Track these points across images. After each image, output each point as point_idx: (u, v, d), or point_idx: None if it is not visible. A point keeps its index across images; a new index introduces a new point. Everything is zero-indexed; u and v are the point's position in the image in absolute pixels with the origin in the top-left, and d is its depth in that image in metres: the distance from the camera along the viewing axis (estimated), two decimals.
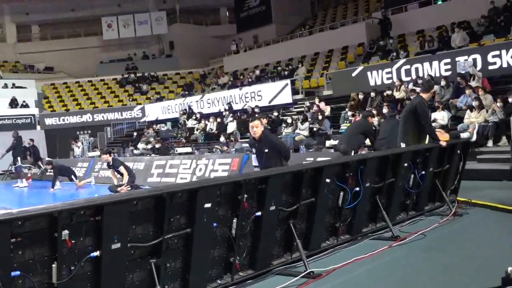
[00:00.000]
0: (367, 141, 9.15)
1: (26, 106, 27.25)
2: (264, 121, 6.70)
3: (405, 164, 6.19)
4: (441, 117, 11.99)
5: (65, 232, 3.24)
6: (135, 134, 22.94)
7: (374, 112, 11.63)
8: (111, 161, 11.91)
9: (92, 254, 3.40)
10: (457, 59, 14.18)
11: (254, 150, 6.67)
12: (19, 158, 17.42)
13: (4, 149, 20.12)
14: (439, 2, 20.75)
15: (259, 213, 4.49)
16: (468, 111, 11.54)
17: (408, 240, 5.48)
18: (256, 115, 7.74)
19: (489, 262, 4.60)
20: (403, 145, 6.89)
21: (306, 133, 14.58)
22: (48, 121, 26.93)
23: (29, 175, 18.41)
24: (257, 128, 6.16)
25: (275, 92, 19.61)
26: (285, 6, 30.67)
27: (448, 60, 14.64)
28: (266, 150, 6.20)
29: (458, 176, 7.24)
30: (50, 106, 29.24)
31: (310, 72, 22.30)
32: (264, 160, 6.25)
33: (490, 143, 10.81)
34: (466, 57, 14.00)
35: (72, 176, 15.88)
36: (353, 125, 9.98)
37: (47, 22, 35.33)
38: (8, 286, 2.94)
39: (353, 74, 17.36)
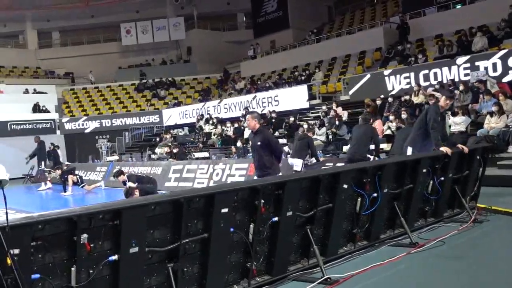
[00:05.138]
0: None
1: (47, 111, 27.72)
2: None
3: (424, 170, 6.12)
4: (460, 122, 11.83)
5: (84, 236, 3.28)
6: (157, 139, 23.10)
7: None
8: (127, 179, 11.31)
9: (110, 258, 3.44)
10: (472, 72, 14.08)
11: (250, 143, 7.13)
12: (43, 162, 17.89)
13: (26, 153, 20.75)
14: (458, 7, 20.51)
15: (276, 219, 4.49)
16: (488, 116, 11.37)
17: (426, 247, 5.41)
18: (250, 110, 8.21)
19: (510, 270, 4.52)
20: (409, 148, 6.92)
21: (323, 138, 14.52)
22: (68, 126, 27.34)
23: (49, 179, 18.72)
24: (248, 121, 6.77)
25: (292, 97, 19.60)
26: (302, 11, 30.66)
27: (468, 65, 14.47)
28: (259, 143, 6.59)
29: (478, 182, 7.13)
30: (70, 111, 29.69)
31: (327, 77, 22.23)
32: (257, 155, 6.68)
33: (510, 149, 10.63)
34: (483, 67, 13.88)
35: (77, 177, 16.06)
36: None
37: (67, 29, 35.90)
38: None
39: (371, 79, 17.25)
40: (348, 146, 12.73)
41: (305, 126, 14.51)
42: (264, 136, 6.69)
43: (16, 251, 2.93)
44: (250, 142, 7.19)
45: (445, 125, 7.14)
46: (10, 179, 3.01)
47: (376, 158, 8.86)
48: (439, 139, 6.56)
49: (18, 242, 2.94)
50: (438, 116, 6.60)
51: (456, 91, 13.47)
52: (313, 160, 11.21)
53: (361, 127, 9.12)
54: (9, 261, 2.80)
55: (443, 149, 6.34)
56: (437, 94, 12.02)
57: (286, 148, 13.48)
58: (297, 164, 10.56)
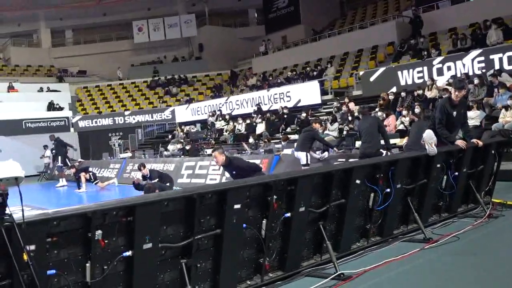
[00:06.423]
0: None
1: (60, 109, 27.99)
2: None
3: (438, 165, 6.06)
4: (475, 116, 11.69)
5: (99, 232, 3.32)
6: (170, 136, 23.20)
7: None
8: (148, 174, 11.76)
9: (124, 254, 3.48)
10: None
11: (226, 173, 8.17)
12: (59, 158, 18.21)
13: (41, 151, 21.17)
14: None
15: (288, 214, 4.49)
16: (503, 110, 11.23)
17: (440, 242, 5.36)
18: (215, 147, 9.11)
19: None
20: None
21: (335, 133, 14.45)
22: (81, 124, 27.58)
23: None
24: (216, 158, 7.46)
25: (303, 93, 19.53)
26: (313, 6, 30.50)
27: (482, 58, 14.28)
28: (234, 172, 7.44)
29: (493, 177, 7.05)
30: (83, 109, 29.94)
31: (339, 72, 22.11)
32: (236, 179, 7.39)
33: None
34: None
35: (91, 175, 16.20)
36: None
37: (80, 27, 36.18)
38: (44, 284, 3.03)
39: (383, 74, 17.12)
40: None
41: (312, 118, 14.43)
42: (234, 166, 7.48)
43: (32, 247, 2.97)
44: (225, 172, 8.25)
45: (465, 117, 6.87)
46: (25, 176, 3.05)
47: (389, 153, 8.79)
48: (448, 135, 6.34)
49: (34, 238, 2.99)
50: (443, 113, 6.37)
51: (470, 85, 13.32)
52: (325, 155, 11.16)
53: (365, 120, 9.00)
54: (25, 257, 2.84)
55: (458, 142, 6.24)
56: (450, 88, 11.87)
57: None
58: (300, 157, 10.55)
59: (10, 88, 28.08)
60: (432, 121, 6.66)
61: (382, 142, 8.88)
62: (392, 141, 11.80)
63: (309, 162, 10.38)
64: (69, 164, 17.76)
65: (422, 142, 5.98)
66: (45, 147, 22.19)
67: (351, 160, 9.26)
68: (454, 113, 6.42)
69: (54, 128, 25.30)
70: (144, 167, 12.01)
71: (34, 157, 22.40)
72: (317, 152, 11.34)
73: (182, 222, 3.85)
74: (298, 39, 28.35)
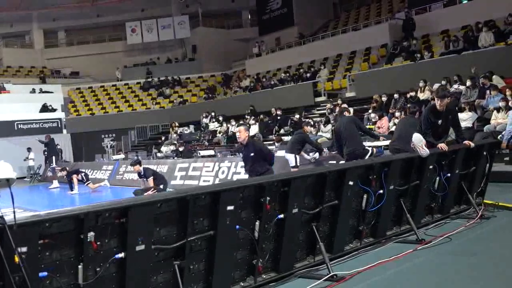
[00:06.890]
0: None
1: (53, 110, 27.84)
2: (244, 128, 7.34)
3: (430, 166, 6.09)
4: (467, 118, 11.77)
5: (91, 234, 3.29)
6: (163, 138, 23.18)
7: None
8: (142, 171, 11.99)
9: (117, 256, 3.46)
10: None
11: (241, 154, 7.59)
12: (54, 159, 18.14)
13: (34, 152, 21.09)
14: (464, 1, 20.37)
15: (281, 216, 4.49)
16: (495, 112, 11.32)
17: (433, 243, 5.39)
18: (241, 122, 8.74)
19: None
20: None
21: (328, 135, 14.49)
22: (74, 125, 27.43)
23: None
24: (240, 133, 6.97)
25: (297, 94, 19.55)
26: (307, 8, 30.57)
27: (474, 60, 14.35)
28: (252, 154, 6.94)
29: (485, 178, 7.08)
30: (76, 110, 29.79)
31: (332, 74, 22.16)
32: (251, 163, 6.99)
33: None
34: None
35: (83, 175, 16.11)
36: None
37: (73, 28, 36.06)
38: (36, 287, 3.01)
39: (376, 75, 17.18)
40: None
41: (304, 121, 14.45)
42: (256, 147, 7.04)
43: (24, 249, 2.94)
44: (241, 153, 7.66)
45: (455, 121, 6.83)
46: (17, 178, 3.02)
47: (376, 150, 8.79)
48: (434, 141, 6.30)
49: (25, 240, 2.96)
50: (426, 123, 6.39)
51: (461, 87, 13.41)
52: (316, 155, 11.18)
53: (342, 122, 8.94)
54: (16, 259, 2.82)
55: (438, 146, 6.22)
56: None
57: None
58: (289, 159, 10.58)
59: (1, 89, 27.89)
60: (419, 126, 6.65)
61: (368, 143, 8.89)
62: (385, 142, 11.87)
63: (298, 164, 10.40)
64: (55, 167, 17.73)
65: (412, 146, 6.00)
66: (29, 149, 22.05)
67: (342, 161, 9.27)
68: (439, 121, 6.40)
69: (46, 129, 25.15)
70: (137, 164, 12.18)
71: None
72: (310, 154, 11.35)
73: (175, 224, 3.84)
74: (291, 40, 28.40)
